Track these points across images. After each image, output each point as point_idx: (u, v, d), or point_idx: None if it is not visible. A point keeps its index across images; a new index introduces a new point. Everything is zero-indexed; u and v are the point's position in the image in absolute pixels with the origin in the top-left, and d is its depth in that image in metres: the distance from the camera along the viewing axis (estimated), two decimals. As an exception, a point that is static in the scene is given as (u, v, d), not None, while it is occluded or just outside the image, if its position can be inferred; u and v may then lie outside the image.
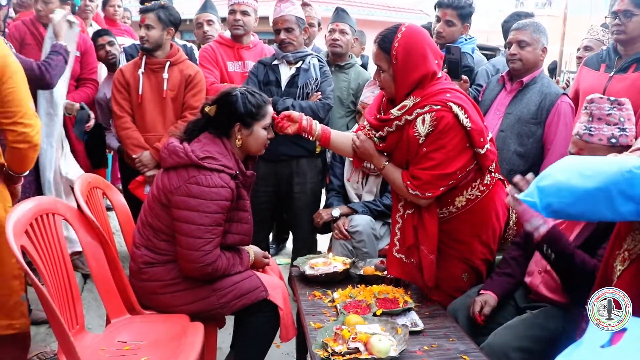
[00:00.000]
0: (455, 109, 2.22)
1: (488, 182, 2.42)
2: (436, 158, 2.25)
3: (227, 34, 3.82)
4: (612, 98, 1.99)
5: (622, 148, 1.88)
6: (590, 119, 1.99)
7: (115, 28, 5.21)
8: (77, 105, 3.34)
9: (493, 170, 2.46)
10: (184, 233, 2.19)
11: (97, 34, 3.93)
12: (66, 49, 2.99)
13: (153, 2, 3.31)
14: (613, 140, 1.94)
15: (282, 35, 3.35)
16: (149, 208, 2.33)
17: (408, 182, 2.30)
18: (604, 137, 1.95)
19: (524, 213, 1.96)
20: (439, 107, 2.23)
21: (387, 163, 2.42)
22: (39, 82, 2.82)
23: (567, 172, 1.35)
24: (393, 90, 2.32)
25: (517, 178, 1.85)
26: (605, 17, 2.96)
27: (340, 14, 3.83)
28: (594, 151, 1.95)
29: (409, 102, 2.28)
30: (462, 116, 2.23)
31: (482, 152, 2.31)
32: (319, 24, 4.27)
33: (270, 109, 2.42)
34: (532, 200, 1.39)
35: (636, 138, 1.93)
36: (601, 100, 1.98)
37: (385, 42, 2.26)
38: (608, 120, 1.96)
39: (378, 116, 2.38)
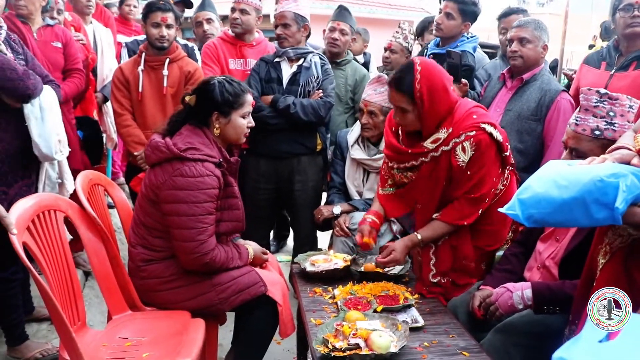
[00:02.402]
0: (489, 128, 2.34)
1: (507, 175, 2.53)
2: (478, 176, 2.36)
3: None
4: (603, 91, 1.97)
5: (608, 142, 1.86)
6: (579, 109, 2.00)
7: (127, 27, 5.22)
8: None
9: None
10: (176, 226, 2.20)
11: None
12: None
13: (164, 1, 3.32)
14: (597, 133, 1.92)
15: (279, 31, 3.37)
16: (139, 206, 2.35)
17: (465, 222, 2.41)
18: (587, 127, 1.94)
19: (502, 304, 2.04)
20: (473, 132, 2.32)
21: (420, 236, 2.46)
22: (19, 83, 2.45)
23: (544, 183, 1.42)
24: (419, 127, 2.38)
25: None
26: (619, 8, 2.87)
27: (342, 12, 3.83)
28: (579, 141, 1.96)
29: (442, 135, 2.35)
30: (495, 133, 2.35)
31: (507, 154, 2.44)
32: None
33: (249, 98, 2.42)
34: (515, 212, 1.47)
35: None
36: (589, 92, 1.98)
37: (404, 84, 2.31)
38: (595, 112, 1.95)
39: (410, 150, 2.41)
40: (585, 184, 1.32)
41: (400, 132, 2.52)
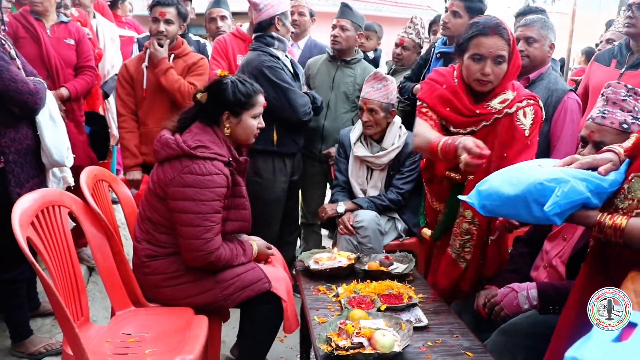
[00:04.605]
0: (540, 102, 2.31)
1: None
2: (534, 144, 2.31)
3: (244, 27, 3.81)
4: (630, 86, 1.94)
5: None
6: (605, 102, 1.95)
7: (118, 21, 5.22)
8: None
9: None
10: (183, 223, 2.20)
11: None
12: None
13: None
14: (625, 126, 1.89)
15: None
16: (146, 202, 2.35)
17: None
18: (616, 121, 1.91)
19: (507, 304, 2.05)
20: (532, 101, 2.28)
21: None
22: (28, 97, 2.48)
23: (501, 179, 1.58)
24: (496, 84, 2.28)
25: None
26: (622, 9, 2.93)
27: (342, 9, 3.80)
28: (604, 134, 1.91)
29: (509, 95, 2.28)
30: (543, 110, 2.31)
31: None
32: (312, 15, 4.25)
33: (260, 99, 2.41)
34: (471, 201, 1.63)
35: None
36: (618, 86, 1.95)
37: (504, 30, 2.22)
38: (622, 105, 1.92)
39: (478, 111, 2.29)
40: (529, 184, 1.47)
41: (460, 94, 2.34)
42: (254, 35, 3.34)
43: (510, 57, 2.24)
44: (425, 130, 2.27)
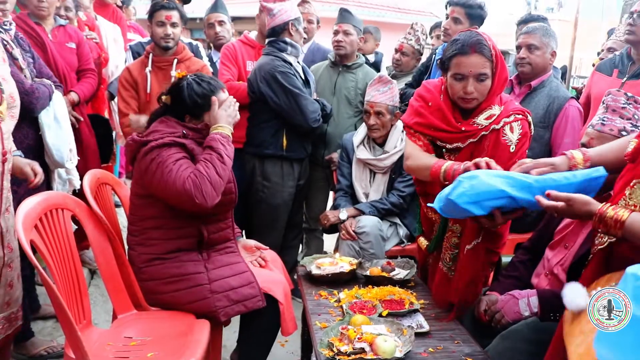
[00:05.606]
0: (530, 118, 2.24)
1: None
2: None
3: (253, 34, 3.82)
4: (630, 94, 1.97)
5: None
6: (605, 110, 1.99)
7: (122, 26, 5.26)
8: None
9: None
10: (164, 192, 2.18)
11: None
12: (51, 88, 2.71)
13: (170, 0, 3.33)
14: (624, 133, 1.91)
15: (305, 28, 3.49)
16: (132, 206, 2.38)
17: None
18: (615, 128, 1.94)
19: (508, 311, 2.07)
20: (520, 116, 2.21)
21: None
22: (23, 97, 2.46)
23: (451, 185, 1.85)
24: (482, 100, 2.22)
25: None
26: (624, 17, 2.95)
27: (343, 14, 3.81)
28: (604, 141, 1.93)
29: (496, 111, 2.21)
30: (532, 126, 2.26)
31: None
32: (318, 22, 4.26)
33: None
34: (434, 206, 1.90)
35: None
36: (618, 94, 1.98)
37: (484, 48, 2.14)
38: (622, 113, 1.95)
39: (463, 128, 2.22)
40: (454, 183, 1.82)
41: (445, 112, 2.28)
42: (267, 40, 3.36)
43: (494, 73, 2.17)
44: (419, 154, 2.28)
